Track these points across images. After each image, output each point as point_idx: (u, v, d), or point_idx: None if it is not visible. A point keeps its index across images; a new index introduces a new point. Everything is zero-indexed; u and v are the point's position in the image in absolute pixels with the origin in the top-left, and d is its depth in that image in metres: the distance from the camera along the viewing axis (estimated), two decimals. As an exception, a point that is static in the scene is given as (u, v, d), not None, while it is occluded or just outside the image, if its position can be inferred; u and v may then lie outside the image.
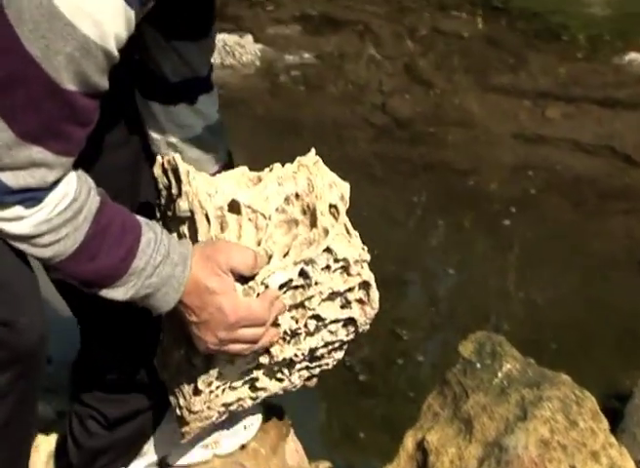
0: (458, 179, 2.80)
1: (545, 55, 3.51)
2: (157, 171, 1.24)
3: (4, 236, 1.14)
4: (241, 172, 1.24)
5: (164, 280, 1.17)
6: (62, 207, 1.13)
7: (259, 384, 1.27)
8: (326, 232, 1.19)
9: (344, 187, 1.24)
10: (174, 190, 1.23)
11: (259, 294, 1.17)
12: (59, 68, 1.08)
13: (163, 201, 1.27)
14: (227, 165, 1.43)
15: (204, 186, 1.21)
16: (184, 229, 1.23)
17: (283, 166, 1.21)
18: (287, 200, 1.21)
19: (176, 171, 1.22)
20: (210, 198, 1.20)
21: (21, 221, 1.12)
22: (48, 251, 1.14)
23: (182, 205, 1.21)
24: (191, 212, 1.20)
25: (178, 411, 1.27)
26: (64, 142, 1.12)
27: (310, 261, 1.18)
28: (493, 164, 2.87)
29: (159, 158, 1.25)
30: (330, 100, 3.23)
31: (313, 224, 1.19)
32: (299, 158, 1.22)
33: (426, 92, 3.29)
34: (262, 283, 1.17)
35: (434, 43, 3.62)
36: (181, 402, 1.26)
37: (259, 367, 1.25)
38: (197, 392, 1.23)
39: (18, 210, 1.11)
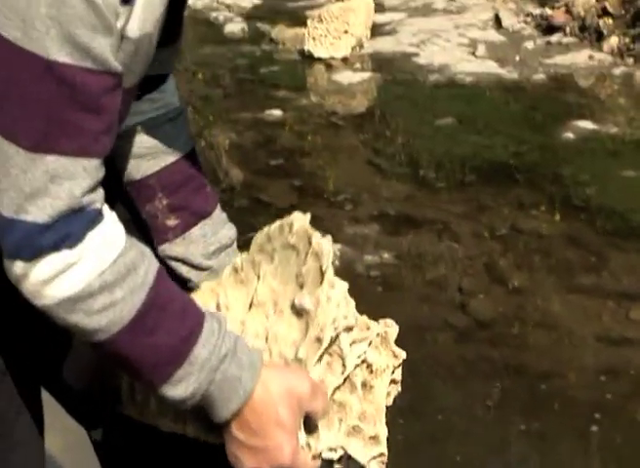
0: (540, 382, 2.86)
1: (627, 254, 3.61)
2: None
3: (57, 315, 1.05)
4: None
5: (229, 380, 1.09)
6: (112, 256, 1.07)
7: None
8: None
9: None
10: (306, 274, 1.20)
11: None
12: (40, 38, 1.01)
13: None
14: (190, 156, 1.41)
15: None
16: None
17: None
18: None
19: None
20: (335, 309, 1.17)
21: (70, 273, 1.05)
22: (103, 318, 1.07)
23: (307, 304, 1.18)
24: None
25: None
26: (75, 137, 1.05)
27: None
28: (576, 367, 2.94)
29: None
30: (409, 301, 3.35)
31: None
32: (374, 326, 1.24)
33: (507, 292, 3.39)
34: (312, 446, 1.14)
35: (514, 242, 3.74)
36: None
37: None
38: None
39: (62, 256, 1.04)
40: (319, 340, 1.16)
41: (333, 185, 4.25)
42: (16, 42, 1.00)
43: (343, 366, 1.19)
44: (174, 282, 1.14)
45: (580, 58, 5.87)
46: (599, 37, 6.02)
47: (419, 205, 4.08)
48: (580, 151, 4.59)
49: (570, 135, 4.75)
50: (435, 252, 3.68)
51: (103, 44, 1.03)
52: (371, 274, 3.55)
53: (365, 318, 1.25)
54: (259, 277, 1.27)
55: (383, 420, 1.24)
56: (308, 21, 6.13)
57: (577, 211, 3.96)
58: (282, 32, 6.39)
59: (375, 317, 1.27)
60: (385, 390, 1.27)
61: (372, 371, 1.25)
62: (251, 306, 1.25)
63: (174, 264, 1.42)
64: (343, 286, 1.20)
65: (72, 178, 1.04)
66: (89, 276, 1.05)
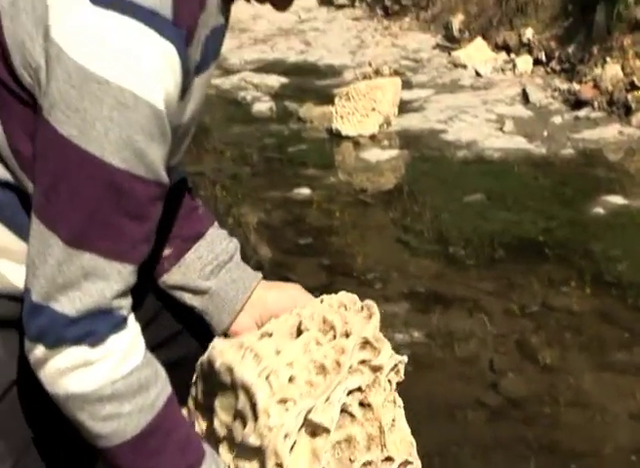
0: (573, 461, 2.87)
1: (660, 329, 3.64)
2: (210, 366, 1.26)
3: (66, 408, 1.07)
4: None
5: None
6: (128, 367, 1.09)
7: None
8: None
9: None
10: (243, 409, 1.22)
11: None
12: (98, 138, 1.03)
13: (216, 403, 1.28)
14: (179, 184, 1.42)
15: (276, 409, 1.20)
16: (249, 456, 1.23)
17: None
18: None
19: (247, 389, 1.22)
20: (281, 430, 1.19)
21: (86, 371, 1.07)
22: (107, 426, 1.09)
23: (253, 440, 1.20)
24: (260, 445, 1.20)
25: None
26: (115, 241, 1.07)
27: None
28: (609, 445, 2.94)
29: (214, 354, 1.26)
30: (440, 380, 3.37)
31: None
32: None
33: (539, 370, 3.41)
34: None
35: (545, 319, 3.77)
36: None
37: None
38: None
39: (81, 351, 1.06)
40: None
41: (362, 264, 4.31)
42: (72, 139, 1.04)
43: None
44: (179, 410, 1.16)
45: (609, 132, 5.94)
46: (627, 111, 6.09)
47: (448, 282, 4.12)
48: (610, 226, 4.64)
49: (600, 210, 4.80)
50: (466, 329, 3.72)
51: (158, 153, 1.07)
52: (401, 353, 3.58)
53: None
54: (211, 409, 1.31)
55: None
56: (336, 99, 6.24)
57: (608, 286, 3.99)
58: (310, 111, 6.51)
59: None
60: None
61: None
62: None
63: (176, 294, 1.43)
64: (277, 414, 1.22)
65: (105, 279, 1.07)
66: (102, 380, 1.08)
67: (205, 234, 1.46)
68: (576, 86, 6.59)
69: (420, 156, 5.79)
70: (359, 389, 1.30)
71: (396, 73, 7.38)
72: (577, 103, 6.39)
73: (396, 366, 1.37)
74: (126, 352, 1.11)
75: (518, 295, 3.97)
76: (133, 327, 1.14)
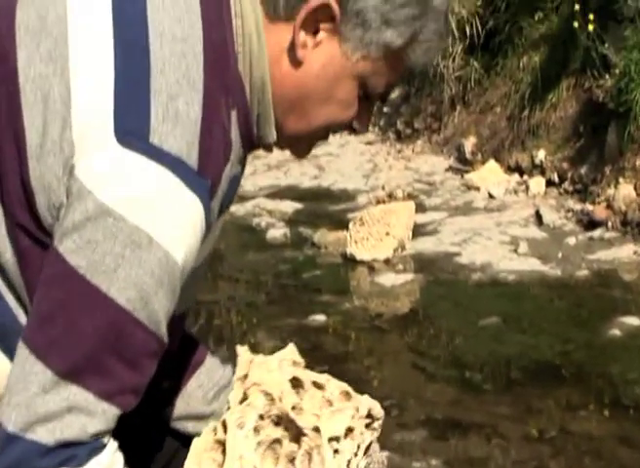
0: None
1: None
2: None
3: None
4: None
5: None
6: None
7: None
8: None
9: None
10: None
11: None
12: (106, 273, 1.03)
13: None
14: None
15: None
16: None
17: None
18: None
19: None
20: None
21: None
22: None
23: None
24: None
25: None
26: (106, 380, 1.06)
27: None
28: None
29: None
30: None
31: None
32: None
33: (559, 496, 3.44)
34: None
35: (564, 444, 3.80)
36: None
37: None
38: None
39: None
40: None
41: (378, 390, 4.35)
42: (78, 269, 1.05)
43: None
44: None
45: (624, 252, 6.04)
46: (641, 231, 6.21)
47: (465, 408, 4.17)
48: (627, 348, 4.69)
49: (616, 331, 4.86)
50: (484, 456, 3.75)
51: (162, 304, 1.09)
52: (419, 481, 3.62)
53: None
54: None
55: None
56: (350, 224, 6.37)
57: (626, 410, 4.02)
58: (324, 236, 6.64)
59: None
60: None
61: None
62: None
63: (180, 425, 1.46)
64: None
65: (90, 416, 1.07)
66: None
67: (204, 361, 1.52)
68: (589, 206, 6.71)
69: (434, 280, 5.88)
70: None
71: (410, 196, 7.54)
72: (590, 224, 6.51)
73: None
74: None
75: (536, 420, 4.00)
76: (112, 444, 1.13)
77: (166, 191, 1.07)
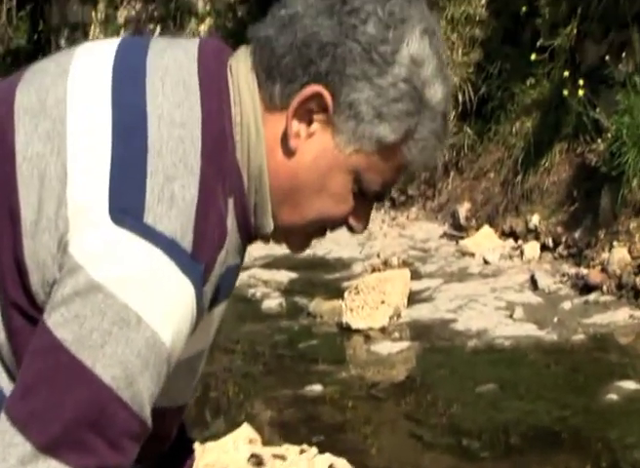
0: None
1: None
2: None
3: None
4: None
5: None
6: None
7: None
8: None
9: None
10: None
11: None
12: (93, 348, 1.03)
13: None
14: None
15: None
16: None
17: None
18: None
19: None
20: None
21: None
22: None
23: None
24: None
25: None
26: (86, 457, 1.05)
27: None
28: None
29: None
30: None
31: None
32: None
33: None
34: None
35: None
36: None
37: None
38: None
39: None
40: None
41: (376, 461, 4.38)
42: (64, 343, 1.05)
43: None
44: None
45: (619, 316, 6.08)
46: (637, 295, 6.24)
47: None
48: (625, 413, 4.72)
49: (613, 396, 4.88)
50: None
51: (147, 386, 1.08)
52: None
53: None
54: None
55: None
56: (345, 293, 6.41)
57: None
58: (319, 305, 6.68)
59: None
60: None
61: None
62: None
63: None
64: None
65: None
66: None
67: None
68: (584, 270, 6.77)
69: (430, 347, 5.91)
70: None
71: (405, 264, 7.59)
72: (586, 288, 6.56)
73: None
74: None
75: None
76: None
77: (157, 271, 1.08)
